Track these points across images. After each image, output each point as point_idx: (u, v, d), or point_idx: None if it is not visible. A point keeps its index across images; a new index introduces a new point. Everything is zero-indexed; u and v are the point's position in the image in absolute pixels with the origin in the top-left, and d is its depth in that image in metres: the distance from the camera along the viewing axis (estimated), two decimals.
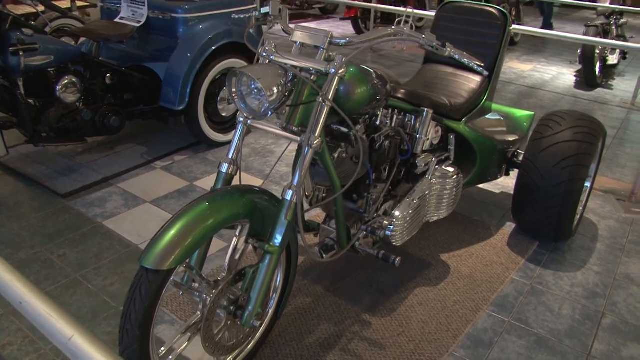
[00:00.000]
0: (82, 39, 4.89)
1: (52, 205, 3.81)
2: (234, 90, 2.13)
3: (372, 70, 2.53)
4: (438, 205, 3.12)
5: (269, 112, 2.12)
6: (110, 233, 3.48)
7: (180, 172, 4.33)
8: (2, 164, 4.32)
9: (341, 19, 9.60)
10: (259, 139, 5.02)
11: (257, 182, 4.22)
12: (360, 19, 9.42)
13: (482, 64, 2.56)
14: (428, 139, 3.01)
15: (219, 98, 4.61)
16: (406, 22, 2.32)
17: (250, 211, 2.12)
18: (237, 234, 2.22)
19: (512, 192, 4.08)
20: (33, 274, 3.08)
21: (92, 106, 4.31)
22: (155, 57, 4.60)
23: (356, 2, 8.51)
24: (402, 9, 8.17)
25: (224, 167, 2.28)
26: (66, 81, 4.07)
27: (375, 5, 8.43)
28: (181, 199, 3.91)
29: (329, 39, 2.20)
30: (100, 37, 4.29)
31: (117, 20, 4.70)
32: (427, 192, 2.98)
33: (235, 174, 2.31)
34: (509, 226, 3.73)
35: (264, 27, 2.58)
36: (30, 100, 4.01)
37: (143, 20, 4.55)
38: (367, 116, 2.68)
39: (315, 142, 2.12)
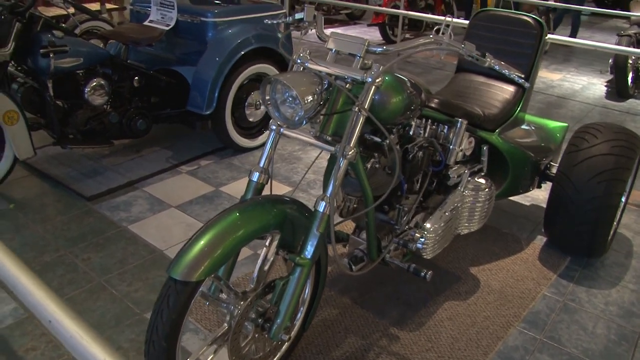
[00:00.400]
0: (110, 41, 4.88)
1: (77, 208, 3.79)
2: (267, 97, 2.08)
3: (406, 79, 2.47)
4: (470, 217, 3.04)
5: (304, 121, 2.06)
6: (135, 238, 3.45)
7: (205, 177, 4.29)
8: (29, 164, 4.31)
9: (368, 25, 9.53)
10: (285, 145, 4.98)
11: (284, 189, 4.17)
12: (387, 25, 9.34)
13: (522, 75, 2.49)
14: (461, 150, 2.94)
15: (246, 103, 4.57)
16: (444, 32, 2.26)
17: (281, 222, 2.06)
18: (267, 244, 2.17)
19: (542, 205, 3.99)
20: (57, 277, 3.06)
21: (119, 109, 4.29)
22: (184, 61, 4.58)
23: (384, 9, 8.45)
24: (437, 17, 8.10)
25: (255, 176, 2.24)
26: (94, 83, 4.06)
27: (403, 12, 8.36)
28: (206, 204, 3.87)
29: (365, 47, 2.15)
30: (129, 40, 4.27)
31: (146, 23, 4.69)
32: (459, 205, 2.91)
33: (267, 183, 2.26)
34: (540, 240, 3.64)
35: (295, 33, 2.54)
36: (58, 102, 4.00)
37: (172, 23, 4.52)
38: (400, 126, 2.62)
39: (350, 152, 2.07)
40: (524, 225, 3.83)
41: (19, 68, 4.13)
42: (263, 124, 4.87)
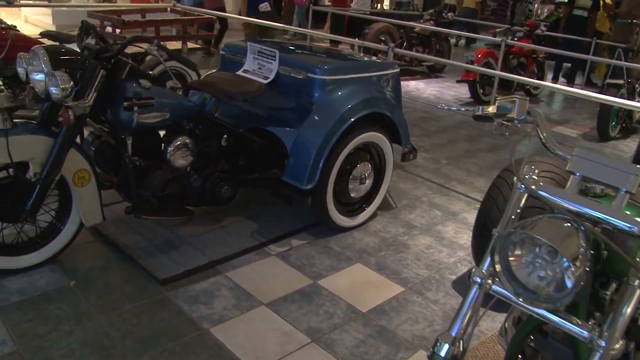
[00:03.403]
0: (193, 90, 4.26)
1: (148, 295, 3.12)
2: (497, 258, 1.35)
3: None
4: None
5: (566, 299, 1.32)
6: (219, 348, 2.76)
7: (300, 263, 3.59)
8: (94, 227, 3.66)
9: (457, 82, 8.82)
10: (387, 225, 4.25)
11: (394, 288, 3.44)
12: (479, 83, 8.63)
13: None
14: None
15: (350, 176, 3.87)
16: None
17: None
18: None
19: None
20: None
21: (203, 171, 3.65)
22: (281, 121, 3.92)
23: (477, 67, 7.75)
24: (535, 81, 7.37)
25: (444, 350, 1.49)
26: (179, 142, 3.42)
27: (499, 72, 7.64)
28: (304, 304, 3.17)
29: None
30: (223, 94, 3.65)
31: (239, 72, 4.06)
32: None
33: (461, 359, 1.51)
34: None
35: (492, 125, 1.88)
36: (135, 159, 3.37)
37: (271, 76, 3.89)
38: None
39: (616, 346, 1.31)
40: None
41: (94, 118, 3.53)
42: (365, 201, 4.16)
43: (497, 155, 6.39)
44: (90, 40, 3.46)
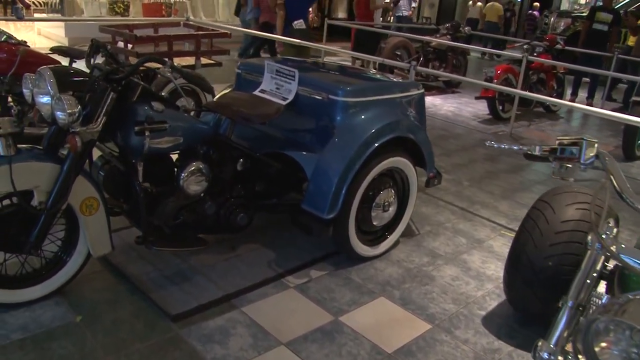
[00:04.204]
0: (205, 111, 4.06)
1: (159, 332, 2.92)
2: (579, 346, 1.14)
3: None
4: None
5: None
6: None
7: (319, 297, 3.38)
8: (103, 256, 3.46)
9: (476, 98, 8.60)
10: (410, 254, 4.03)
11: (420, 325, 3.22)
12: (498, 100, 8.41)
13: None
14: None
15: (373, 203, 3.65)
16: None
17: None
18: None
19: None
20: None
21: (217, 198, 3.44)
22: (300, 145, 3.71)
23: (493, 85, 7.54)
24: (555, 99, 7.17)
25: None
26: (193, 167, 3.22)
27: (519, 91, 7.42)
28: (326, 343, 2.95)
29: None
30: (239, 116, 3.45)
31: (257, 93, 3.86)
32: None
33: None
34: None
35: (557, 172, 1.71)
36: (145, 185, 3.17)
37: (290, 97, 3.69)
38: None
39: None
40: None
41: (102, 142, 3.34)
42: (388, 228, 3.94)
43: (519, 176, 6.17)
44: (100, 59, 3.28)
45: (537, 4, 19.72)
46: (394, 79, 4.24)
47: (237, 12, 11.31)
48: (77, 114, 2.71)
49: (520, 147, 1.81)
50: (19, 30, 11.39)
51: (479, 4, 16.88)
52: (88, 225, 3.02)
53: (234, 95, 3.70)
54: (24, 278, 3.03)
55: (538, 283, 3.04)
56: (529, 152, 1.71)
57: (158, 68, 3.11)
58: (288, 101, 3.67)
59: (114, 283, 3.31)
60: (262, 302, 3.27)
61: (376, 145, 3.46)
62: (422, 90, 4.09)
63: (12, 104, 5.07)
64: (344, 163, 3.36)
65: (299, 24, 6.71)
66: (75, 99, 2.72)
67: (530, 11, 19.86)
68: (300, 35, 6.70)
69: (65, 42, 11.21)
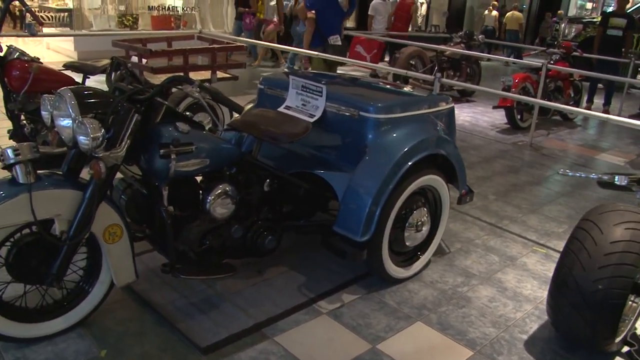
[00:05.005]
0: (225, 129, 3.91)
1: None
2: None
3: None
4: None
5: None
6: None
7: (354, 323, 3.21)
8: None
9: (494, 108, 8.43)
10: (443, 275, 3.87)
11: (463, 353, 3.05)
12: (516, 109, 8.24)
13: None
14: None
15: (407, 223, 3.49)
16: None
17: None
18: None
19: None
20: None
21: (244, 221, 3.28)
22: (328, 164, 3.56)
23: (515, 95, 7.38)
24: (574, 108, 7.01)
25: None
26: (220, 190, 3.06)
27: (539, 100, 7.27)
28: None
29: None
30: (267, 136, 3.31)
31: (282, 109, 3.71)
32: None
33: None
34: None
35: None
36: (169, 209, 3.01)
37: (318, 114, 3.55)
38: None
39: None
40: None
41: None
42: (420, 248, 3.78)
43: (544, 188, 6.00)
44: (117, 76, 3.13)
45: (549, 13, 19.60)
46: (424, 94, 4.06)
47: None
48: (100, 139, 2.55)
49: (599, 175, 1.65)
50: (27, 45, 11.28)
51: (495, 12, 16.89)
52: (111, 254, 2.87)
53: (259, 113, 3.55)
54: (45, 310, 2.88)
55: (587, 307, 2.88)
56: (608, 181, 1.55)
57: (182, 87, 2.95)
58: (315, 118, 3.52)
59: (139, 313, 3.15)
60: (294, 330, 3.10)
61: (409, 164, 3.30)
62: (452, 105, 3.93)
63: (24, 122, 4.94)
64: (377, 183, 3.20)
65: (334, 39, 6.51)
66: (99, 122, 2.57)
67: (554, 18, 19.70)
68: (335, 51, 6.51)
69: (74, 56, 11.10)
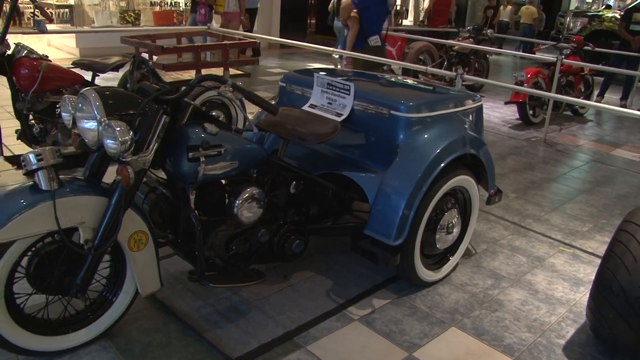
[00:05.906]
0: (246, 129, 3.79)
1: None
2: None
3: None
4: None
5: None
6: None
7: (387, 329, 3.09)
8: None
9: (506, 103, 8.31)
10: (472, 277, 3.75)
11: (500, 359, 2.93)
12: (528, 104, 8.12)
13: None
14: None
15: (438, 225, 3.37)
16: None
17: None
18: None
19: None
20: None
21: (271, 225, 3.16)
22: (357, 165, 3.43)
23: (524, 88, 7.25)
24: (586, 101, 6.88)
25: None
26: (247, 194, 2.92)
27: (552, 94, 7.13)
28: None
29: None
30: (295, 136, 3.18)
31: (306, 107, 3.58)
32: None
33: None
34: None
35: None
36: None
37: (345, 113, 3.42)
38: None
39: None
40: None
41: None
42: (449, 250, 3.66)
43: (562, 185, 5.88)
44: (137, 74, 3.00)
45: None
46: (454, 91, 3.93)
47: None
48: (129, 142, 2.42)
49: None
50: (26, 41, 11.10)
51: (510, 7, 16.91)
52: (136, 262, 2.75)
53: (284, 112, 3.41)
54: (68, 322, 2.75)
55: (633, 313, 2.76)
56: None
57: (216, 87, 2.81)
58: (343, 117, 3.39)
59: (164, 322, 3.02)
60: (327, 338, 2.98)
61: (443, 165, 3.17)
62: (481, 102, 3.80)
63: (32, 121, 4.80)
64: (410, 185, 3.08)
65: (374, 40, 6.32)
66: (126, 125, 2.44)
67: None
68: (375, 52, 6.33)
69: (76, 52, 10.94)
